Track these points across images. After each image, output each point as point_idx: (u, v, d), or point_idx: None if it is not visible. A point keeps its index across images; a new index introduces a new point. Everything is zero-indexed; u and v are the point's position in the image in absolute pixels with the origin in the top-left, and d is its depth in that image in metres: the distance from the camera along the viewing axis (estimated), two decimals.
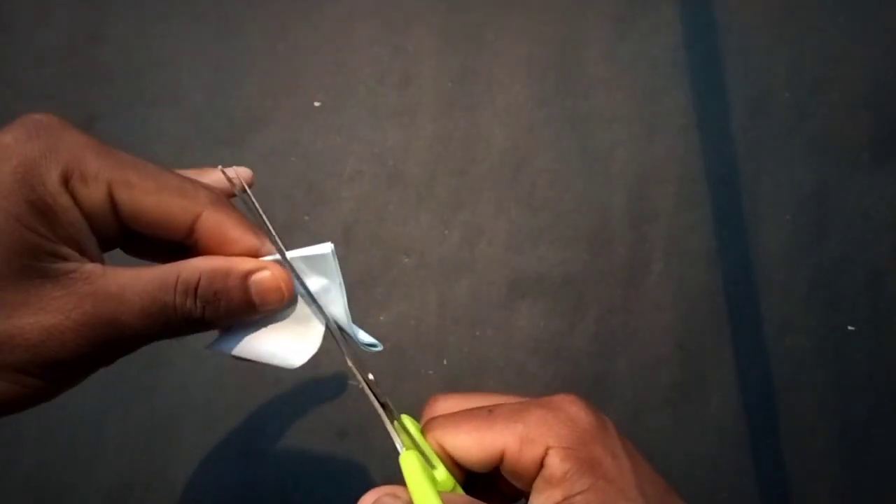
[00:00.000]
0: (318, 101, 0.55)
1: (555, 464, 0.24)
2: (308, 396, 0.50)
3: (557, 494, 0.24)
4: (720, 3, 0.59)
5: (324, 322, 0.27)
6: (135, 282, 0.22)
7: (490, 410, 0.26)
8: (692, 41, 0.58)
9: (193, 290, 0.23)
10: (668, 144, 0.56)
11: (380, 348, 0.28)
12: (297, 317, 0.27)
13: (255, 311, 0.25)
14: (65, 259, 0.22)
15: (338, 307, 0.27)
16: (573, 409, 0.25)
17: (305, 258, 0.26)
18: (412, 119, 0.55)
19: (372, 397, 0.25)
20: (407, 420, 0.26)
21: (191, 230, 0.24)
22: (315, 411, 0.50)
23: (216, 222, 0.25)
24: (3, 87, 0.53)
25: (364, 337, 0.28)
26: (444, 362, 0.52)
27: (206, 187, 0.25)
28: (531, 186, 0.55)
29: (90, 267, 0.22)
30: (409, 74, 0.56)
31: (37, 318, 0.21)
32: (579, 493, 0.24)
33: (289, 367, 0.27)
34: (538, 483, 0.25)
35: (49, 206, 0.22)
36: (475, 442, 0.25)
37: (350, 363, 0.25)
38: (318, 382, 0.51)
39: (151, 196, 0.23)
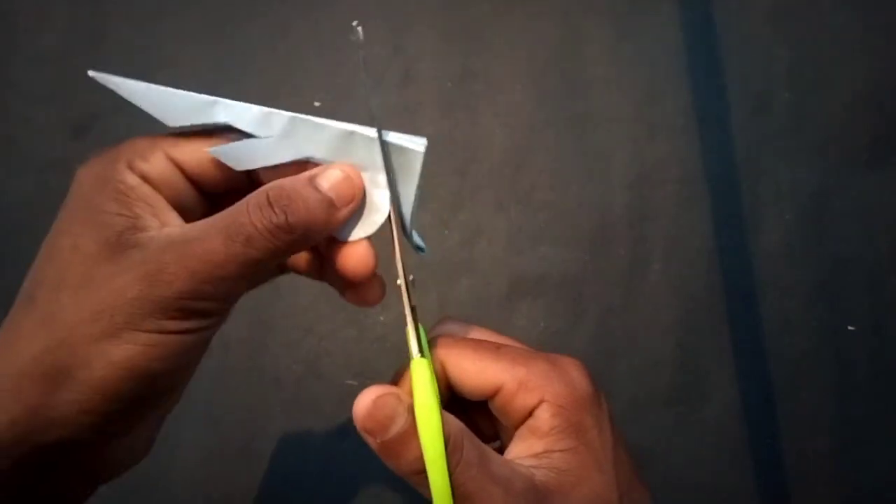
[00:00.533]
0: (318, 101, 0.55)
1: (544, 417, 0.25)
2: (308, 396, 0.50)
3: (539, 446, 0.25)
4: (720, 3, 0.59)
5: (387, 210, 0.26)
6: (209, 222, 0.23)
7: (498, 347, 0.27)
8: (692, 41, 0.58)
9: (266, 202, 0.23)
10: (668, 144, 0.56)
11: (426, 253, 0.28)
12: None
13: (334, 206, 0.25)
14: (146, 230, 0.23)
15: (406, 203, 0.27)
16: (576, 372, 0.26)
17: (394, 146, 0.26)
18: (412, 119, 0.55)
19: (406, 298, 0.26)
20: (421, 330, 0.26)
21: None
22: (315, 411, 0.50)
23: None
24: (3, 87, 0.53)
25: (417, 240, 0.28)
26: None
27: None
28: (531, 186, 0.55)
29: (169, 228, 0.24)
30: (409, 74, 0.56)
31: (128, 275, 0.22)
32: (559, 451, 0.25)
33: (353, 239, 0.26)
34: (522, 430, 0.26)
35: (122, 190, 0.24)
36: (477, 370, 0.26)
37: (399, 258, 0.26)
38: (318, 382, 0.51)
39: (199, 142, 0.25)
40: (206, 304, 0.23)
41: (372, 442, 0.24)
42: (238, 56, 0.55)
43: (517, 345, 0.29)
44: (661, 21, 0.58)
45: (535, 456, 0.25)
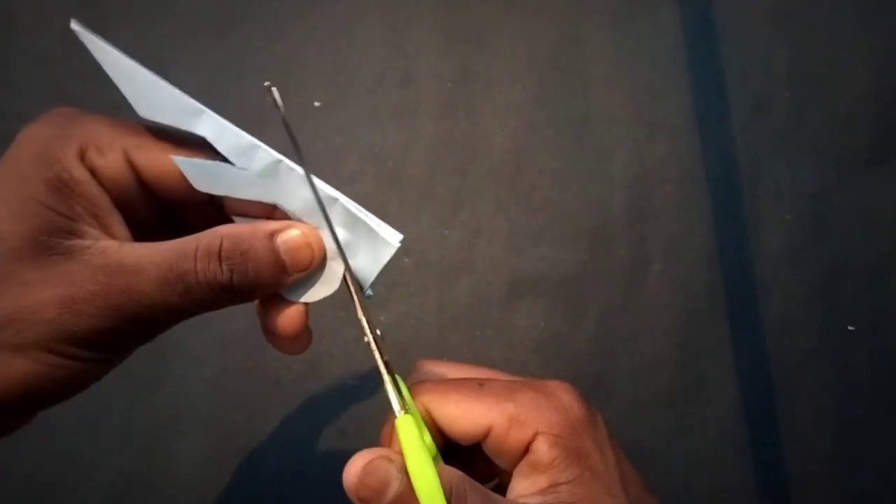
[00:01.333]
0: (318, 101, 0.55)
1: (543, 450, 0.24)
2: (308, 396, 0.50)
3: (542, 481, 0.24)
4: (720, 3, 0.59)
5: (343, 268, 0.25)
6: (152, 252, 0.22)
7: (481, 384, 0.26)
8: (692, 41, 0.58)
9: (217, 253, 0.22)
10: (668, 144, 0.56)
11: (372, 297, 0.26)
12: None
13: (286, 272, 0.23)
14: (81, 236, 0.21)
15: (364, 282, 0.26)
16: (566, 396, 0.25)
17: (371, 230, 0.25)
18: (412, 119, 0.55)
19: (377, 353, 0.24)
20: (401, 382, 0.25)
21: None
22: (315, 411, 0.50)
23: None
24: (3, 87, 0.53)
25: (368, 291, 0.26)
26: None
27: None
28: (531, 186, 0.55)
29: (106, 242, 0.22)
30: (409, 74, 0.56)
31: (52, 291, 0.21)
32: (565, 483, 0.24)
33: (295, 300, 0.25)
34: (522, 466, 0.25)
35: (65, 181, 0.21)
36: (463, 413, 0.25)
37: (361, 315, 0.24)
38: (318, 382, 0.51)
39: (165, 150, 0.23)
40: (121, 342, 0.22)
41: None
42: (238, 56, 0.55)
43: (501, 376, 0.27)
44: (661, 21, 0.58)
45: (541, 492, 0.24)
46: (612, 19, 0.58)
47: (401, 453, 0.23)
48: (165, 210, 0.25)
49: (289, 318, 0.24)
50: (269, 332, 0.25)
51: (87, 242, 0.21)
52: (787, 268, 0.56)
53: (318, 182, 0.24)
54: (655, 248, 0.54)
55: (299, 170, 0.24)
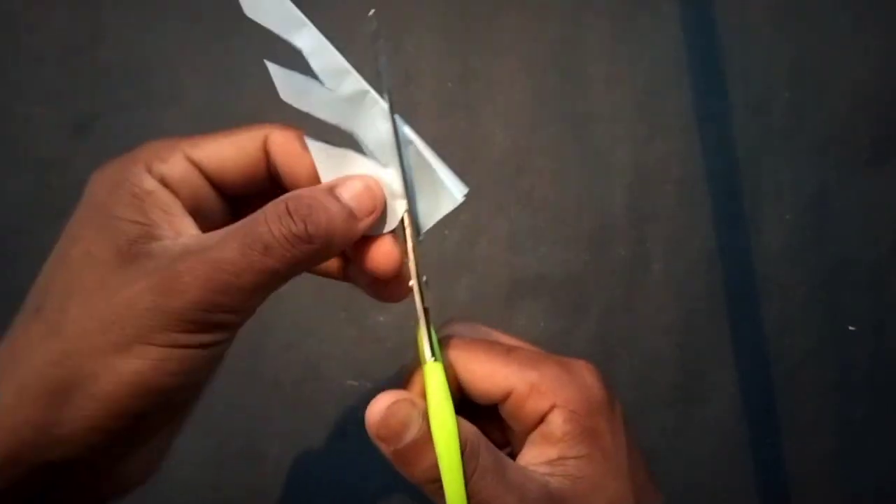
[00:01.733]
0: None
1: (557, 422, 0.24)
2: (308, 396, 0.50)
3: (552, 452, 0.24)
4: (720, 2, 0.59)
5: (403, 209, 0.25)
6: (226, 231, 0.22)
7: (509, 349, 0.26)
8: (693, 41, 0.58)
9: (285, 212, 0.22)
10: (668, 144, 0.56)
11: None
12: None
13: (355, 218, 0.24)
14: (160, 238, 0.22)
15: (426, 208, 0.26)
16: (589, 376, 0.26)
17: (438, 180, 0.25)
18: (412, 119, 0.55)
19: (418, 298, 0.25)
20: (432, 332, 0.26)
21: (266, 156, 0.25)
22: (315, 411, 0.50)
23: (283, 138, 0.25)
24: (3, 87, 0.53)
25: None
26: None
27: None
28: (531, 186, 0.55)
29: (185, 238, 0.23)
30: (409, 74, 0.56)
31: (141, 285, 0.21)
32: (573, 458, 0.24)
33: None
34: (535, 436, 0.25)
35: (137, 194, 0.23)
36: (487, 373, 0.25)
37: (412, 259, 0.25)
38: (318, 382, 0.51)
39: (221, 141, 0.25)
40: (221, 317, 0.22)
41: (385, 449, 0.24)
42: (238, 56, 0.55)
43: (529, 347, 0.28)
44: (662, 21, 0.58)
45: (549, 463, 0.24)
46: (613, 19, 0.58)
47: (422, 399, 0.24)
48: (236, 209, 0.26)
49: (382, 256, 0.25)
50: (372, 281, 0.26)
51: (167, 242, 0.22)
52: (787, 268, 0.56)
53: (398, 120, 0.25)
54: (655, 248, 0.54)
55: (383, 104, 0.25)
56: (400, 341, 0.51)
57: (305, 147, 0.25)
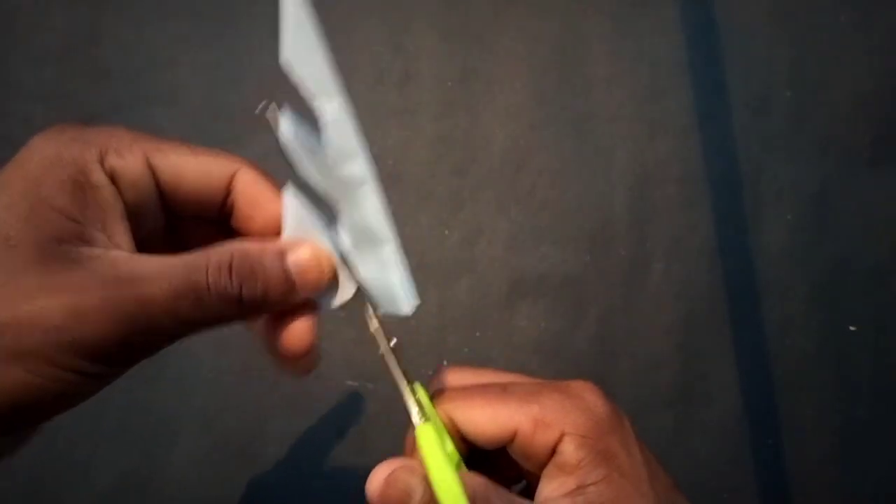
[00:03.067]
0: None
1: (569, 451, 0.24)
2: (308, 396, 0.50)
3: (570, 483, 0.24)
4: (721, 2, 0.59)
5: (355, 285, 0.25)
6: (163, 264, 0.21)
7: (504, 388, 0.25)
8: (693, 41, 0.58)
9: (227, 267, 0.21)
10: (668, 144, 0.56)
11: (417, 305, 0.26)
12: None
13: (295, 290, 0.23)
14: (91, 243, 0.20)
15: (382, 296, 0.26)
16: (591, 397, 0.25)
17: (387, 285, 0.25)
18: (412, 119, 0.55)
19: (393, 364, 0.25)
20: (419, 389, 0.25)
21: (228, 189, 0.23)
22: (315, 411, 0.50)
23: (252, 179, 0.24)
24: (3, 87, 0.53)
25: (407, 300, 0.26)
26: (444, 362, 0.52)
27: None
28: (531, 186, 0.55)
29: (116, 252, 0.21)
30: (409, 74, 0.56)
31: (58, 299, 0.19)
32: (592, 484, 0.23)
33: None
34: (550, 469, 0.24)
35: (81, 184, 0.21)
36: (488, 418, 0.25)
37: (374, 327, 0.25)
38: (318, 382, 0.51)
39: (188, 157, 0.23)
40: (125, 355, 0.21)
41: None
42: (238, 56, 0.55)
43: (524, 379, 0.27)
44: (662, 20, 0.58)
45: (570, 494, 0.24)
46: (613, 19, 0.58)
47: (423, 463, 0.23)
48: (171, 225, 0.25)
49: (296, 338, 0.24)
50: (275, 351, 0.25)
51: (97, 251, 0.21)
52: (787, 268, 0.55)
53: (384, 219, 0.24)
54: (656, 248, 0.54)
55: (376, 201, 0.24)
56: (400, 341, 0.51)
57: (273, 197, 0.24)
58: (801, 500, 0.52)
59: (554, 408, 0.24)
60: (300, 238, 0.24)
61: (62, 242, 0.20)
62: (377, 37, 0.56)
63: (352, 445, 0.50)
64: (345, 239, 0.24)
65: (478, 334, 0.52)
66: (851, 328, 0.55)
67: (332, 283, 0.25)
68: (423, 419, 0.24)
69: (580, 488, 0.23)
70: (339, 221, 0.24)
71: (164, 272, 0.21)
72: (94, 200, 0.21)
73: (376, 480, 0.23)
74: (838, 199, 0.57)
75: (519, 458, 0.25)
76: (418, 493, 0.22)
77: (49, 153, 0.21)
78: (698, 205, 0.56)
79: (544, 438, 0.24)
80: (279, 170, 0.57)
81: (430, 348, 0.51)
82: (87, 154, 0.21)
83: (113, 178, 0.22)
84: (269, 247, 0.23)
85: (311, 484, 0.49)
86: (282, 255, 0.23)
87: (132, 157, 0.22)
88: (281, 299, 0.23)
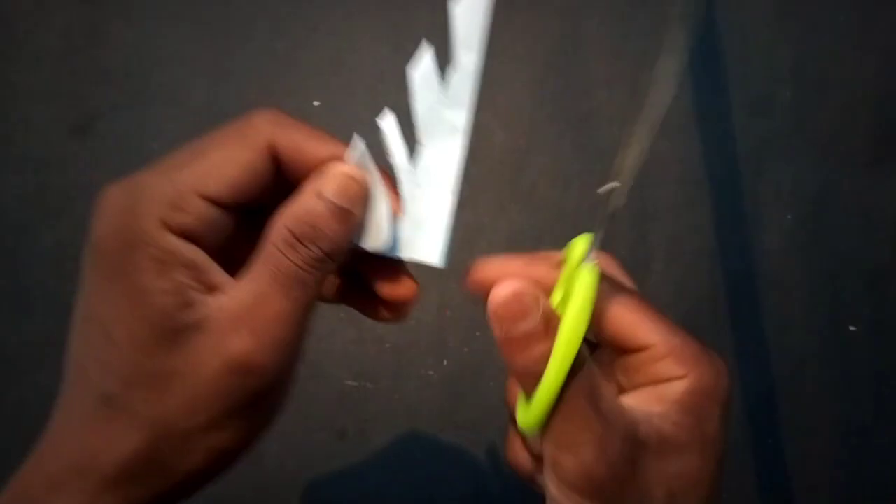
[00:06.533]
0: (318, 101, 0.55)
1: (678, 390, 0.24)
2: (308, 396, 0.50)
3: (657, 407, 0.24)
4: (721, 2, 0.59)
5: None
6: (253, 280, 0.22)
7: (658, 312, 0.26)
8: (693, 41, 0.58)
9: (292, 240, 0.22)
10: (668, 144, 0.56)
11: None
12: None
13: (352, 213, 0.24)
14: (193, 304, 0.22)
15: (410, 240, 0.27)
16: (724, 371, 0.25)
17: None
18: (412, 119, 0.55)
19: (611, 204, 0.24)
20: (593, 269, 0.25)
21: (271, 162, 0.24)
22: (315, 411, 0.50)
23: (291, 141, 0.25)
24: (3, 87, 0.53)
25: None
26: (444, 362, 0.52)
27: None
28: (531, 186, 0.55)
29: (218, 299, 0.22)
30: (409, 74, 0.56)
31: (215, 362, 0.21)
32: (674, 422, 0.24)
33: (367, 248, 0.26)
34: (647, 389, 0.25)
35: (158, 257, 0.21)
36: (633, 321, 0.25)
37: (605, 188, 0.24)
38: (318, 382, 0.51)
39: (222, 162, 0.23)
40: (291, 361, 0.23)
41: (497, 330, 0.23)
42: (238, 56, 0.55)
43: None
44: (662, 20, 0.58)
45: (647, 412, 0.24)
46: (613, 19, 0.58)
47: (548, 296, 0.24)
48: (238, 217, 0.25)
49: (405, 284, 0.27)
50: (385, 306, 0.27)
51: (206, 310, 0.22)
52: (787, 268, 0.56)
53: (458, 171, 0.26)
54: (656, 249, 0.54)
55: (456, 155, 0.26)
56: (400, 341, 0.51)
57: (312, 138, 0.25)
58: (801, 500, 0.52)
59: (693, 353, 0.25)
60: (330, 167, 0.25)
61: (173, 318, 0.21)
62: (377, 37, 0.56)
63: (352, 445, 0.50)
64: (411, 171, 0.26)
65: (478, 334, 0.52)
66: (851, 328, 0.55)
67: (367, 217, 0.25)
68: (593, 261, 0.24)
69: (661, 415, 0.24)
70: (416, 154, 0.26)
71: (260, 284, 0.22)
72: (179, 264, 0.22)
73: (505, 290, 0.23)
74: (838, 199, 0.57)
75: (627, 369, 0.26)
76: (533, 319, 0.23)
77: (118, 240, 0.22)
78: (698, 205, 0.56)
79: (668, 368, 0.24)
80: None
81: (430, 348, 0.51)
82: (148, 225, 0.21)
83: (184, 234, 0.22)
84: (305, 196, 0.23)
85: (311, 484, 0.49)
86: (319, 195, 0.23)
87: (190, 204, 0.22)
88: (347, 226, 0.24)
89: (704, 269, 0.55)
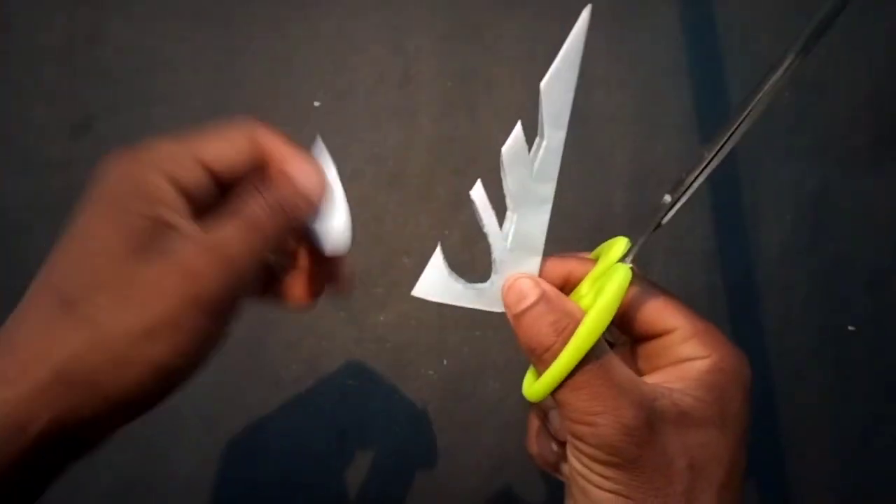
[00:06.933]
0: (318, 101, 0.55)
1: (699, 368, 0.25)
2: (308, 396, 0.50)
3: (677, 384, 0.25)
4: (720, 2, 0.59)
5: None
6: (232, 228, 0.25)
7: (682, 302, 0.28)
8: (692, 41, 0.58)
9: (269, 204, 0.26)
10: (668, 144, 0.56)
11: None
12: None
13: (315, 203, 0.28)
14: (168, 233, 0.24)
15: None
16: (746, 360, 0.27)
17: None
18: (412, 119, 0.55)
19: (667, 215, 0.27)
20: (627, 269, 0.27)
21: (255, 149, 0.28)
22: (315, 411, 0.50)
23: (270, 138, 0.28)
24: (3, 87, 0.53)
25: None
26: (444, 362, 0.52)
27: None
28: None
29: (192, 232, 0.25)
30: (409, 74, 0.56)
31: (172, 276, 0.23)
32: (693, 396, 0.25)
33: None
34: (668, 368, 0.26)
35: (150, 192, 0.24)
36: (659, 308, 0.27)
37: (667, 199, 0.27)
38: (318, 382, 0.51)
39: (219, 142, 0.27)
40: (234, 303, 0.25)
41: (508, 315, 0.28)
42: (238, 56, 0.55)
43: None
44: (662, 21, 0.58)
45: (667, 387, 0.25)
46: (613, 19, 0.58)
47: (604, 293, 0.25)
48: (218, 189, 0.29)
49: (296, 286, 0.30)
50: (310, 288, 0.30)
51: (177, 239, 0.24)
52: (787, 268, 0.56)
53: (544, 235, 0.30)
54: (655, 248, 0.54)
55: (543, 221, 0.31)
56: (400, 341, 0.51)
57: (284, 140, 0.29)
58: (801, 500, 0.52)
59: (716, 338, 0.26)
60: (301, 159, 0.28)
61: (152, 235, 0.24)
62: (377, 37, 0.56)
63: (352, 445, 0.50)
64: (502, 237, 0.30)
65: (478, 334, 0.52)
66: (850, 328, 0.55)
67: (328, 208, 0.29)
68: (630, 262, 0.26)
69: (681, 391, 0.25)
70: (507, 221, 0.30)
71: (229, 228, 0.25)
72: (166, 204, 0.25)
73: (509, 281, 0.29)
74: (838, 199, 0.57)
75: (650, 354, 0.27)
76: (530, 299, 0.27)
77: (122, 181, 0.25)
78: (698, 205, 0.56)
79: (692, 349, 0.26)
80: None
81: (430, 348, 0.51)
82: (152, 175, 0.25)
83: (179, 186, 0.25)
84: (285, 177, 0.27)
85: (311, 484, 0.49)
86: (295, 178, 0.27)
87: (191, 165, 0.26)
88: (311, 209, 0.28)
89: (704, 269, 0.55)
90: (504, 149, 0.29)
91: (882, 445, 0.54)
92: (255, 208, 0.26)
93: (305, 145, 0.60)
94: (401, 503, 0.49)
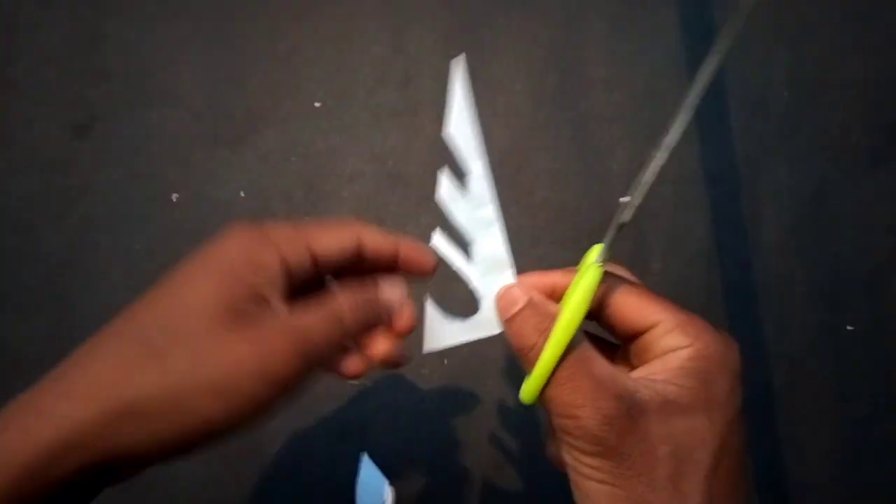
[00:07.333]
0: (318, 102, 0.55)
1: (682, 356, 0.26)
2: (308, 396, 0.50)
3: (660, 374, 0.26)
4: (720, 3, 0.59)
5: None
6: (318, 313, 0.27)
7: (662, 297, 0.29)
8: (692, 41, 0.58)
9: (355, 306, 0.29)
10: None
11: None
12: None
13: (389, 314, 0.31)
14: (263, 306, 0.26)
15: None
16: (735, 347, 0.28)
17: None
18: (412, 119, 0.55)
19: (625, 215, 0.27)
20: (596, 268, 0.27)
21: (358, 248, 0.30)
22: (315, 411, 0.50)
23: (376, 243, 0.31)
24: (3, 87, 0.53)
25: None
26: (445, 362, 0.52)
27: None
28: (531, 186, 0.55)
29: (284, 310, 0.27)
30: (409, 74, 0.56)
31: (252, 348, 0.25)
32: (677, 385, 0.25)
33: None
34: (654, 361, 0.27)
35: (261, 266, 0.27)
36: (639, 306, 0.28)
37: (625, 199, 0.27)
38: (319, 382, 0.51)
39: (329, 235, 0.30)
40: (299, 380, 0.27)
41: (500, 320, 0.29)
42: (238, 56, 0.55)
43: None
44: (661, 21, 0.58)
45: (650, 378, 0.26)
46: (612, 20, 0.58)
47: (574, 292, 0.26)
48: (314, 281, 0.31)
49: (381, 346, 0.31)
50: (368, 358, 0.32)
51: (268, 314, 0.26)
52: (786, 268, 0.56)
53: (507, 251, 0.32)
54: (654, 248, 0.55)
55: (499, 240, 0.32)
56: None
57: (388, 245, 0.32)
58: (800, 499, 0.52)
59: (700, 326, 0.27)
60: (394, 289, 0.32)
61: (246, 305, 0.26)
62: (378, 38, 0.56)
63: (352, 445, 0.50)
64: (475, 270, 0.32)
65: None
66: (849, 328, 0.55)
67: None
68: (602, 266, 0.27)
69: (665, 381, 0.25)
70: (470, 252, 0.32)
71: (317, 322, 0.27)
72: (268, 279, 0.27)
73: (501, 290, 0.30)
74: (837, 199, 0.57)
75: (638, 351, 0.28)
76: (517, 307, 0.28)
77: (242, 250, 0.27)
78: (696, 205, 0.56)
79: (675, 340, 0.26)
80: (280, 169, 0.56)
81: None
82: (268, 247, 0.27)
83: (285, 267, 0.28)
84: (375, 288, 0.30)
85: (311, 484, 0.49)
86: (379, 291, 0.30)
87: (301, 251, 0.28)
88: (378, 320, 0.30)
89: (703, 269, 0.55)
90: (438, 195, 0.31)
91: (880, 444, 0.54)
92: (341, 303, 0.28)
93: (305, 144, 0.60)
94: (401, 503, 0.49)
